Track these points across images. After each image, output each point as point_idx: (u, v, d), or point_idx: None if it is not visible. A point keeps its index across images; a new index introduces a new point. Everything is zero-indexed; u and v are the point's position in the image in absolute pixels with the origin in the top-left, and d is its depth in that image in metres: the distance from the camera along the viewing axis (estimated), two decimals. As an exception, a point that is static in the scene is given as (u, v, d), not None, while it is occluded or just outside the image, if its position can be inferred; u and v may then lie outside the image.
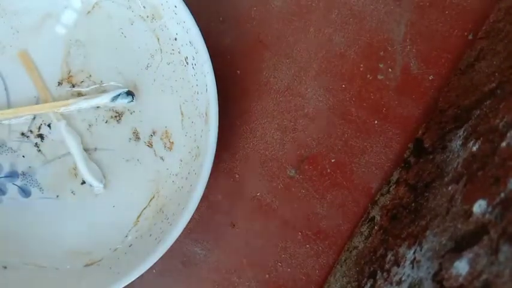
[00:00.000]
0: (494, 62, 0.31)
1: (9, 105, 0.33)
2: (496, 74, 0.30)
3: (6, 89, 0.33)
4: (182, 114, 0.33)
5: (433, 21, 0.34)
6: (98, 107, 0.33)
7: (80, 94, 0.34)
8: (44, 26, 0.33)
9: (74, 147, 0.33)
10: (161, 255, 0.28)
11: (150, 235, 0.31)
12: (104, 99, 0.33)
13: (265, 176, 0.35)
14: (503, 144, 0.25)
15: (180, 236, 0.28)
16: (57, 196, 0.34)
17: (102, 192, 0.34)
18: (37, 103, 0.34)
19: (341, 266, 0.35)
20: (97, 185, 0.33)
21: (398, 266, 0.29)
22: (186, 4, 0.29)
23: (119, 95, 0.33)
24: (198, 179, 0.29)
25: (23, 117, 0.33)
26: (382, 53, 0.34)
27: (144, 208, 0.33)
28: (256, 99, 0.35)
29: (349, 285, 0.34)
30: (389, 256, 0.30)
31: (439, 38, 0.34)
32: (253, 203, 0.35)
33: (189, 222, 0.29)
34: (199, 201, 0.28)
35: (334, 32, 0.34)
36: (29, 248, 0.33)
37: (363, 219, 0.35)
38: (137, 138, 0.34)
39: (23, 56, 0.33)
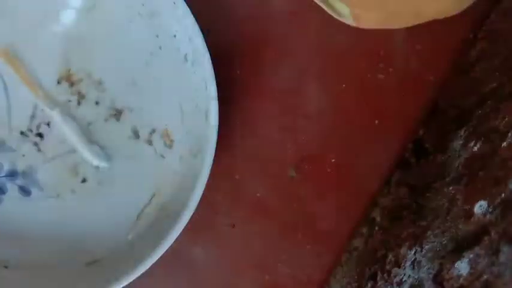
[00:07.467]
0: (495, 62, 0.31)
1: (8, 105, 0.33)
2: (497, 74, 0.30)
3: (5, 89, 0.33)
4: (182, 111, 0.33)
5: (433, 21, 0.34)
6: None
7: (79, 93, 0.34)
8: (43, 25, 0.33)
9: (71, 132, 0.33)
10: (162, 253, 0.28)
11: (151, 233, 0.31)
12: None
13: (265, 176, 0.35)
14: (504, 144, 0.25)
15: (180, 236, 0.28)
16: (58, 195, 0.34)
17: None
18: (37, 103, 0.34)
19: (342, 267, 0.35)
20: (102, 165, 0.33)
21: (399, 266, 0.29)
22: (185, 2, 0.29)
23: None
24: (198, 177, 0.29)
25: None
26: (382, 53, 0.34)
27: (145, 206, 0.33)
28: (256, 99, 0.35)
29: (349, 285, 0.34)
30: (390, 257, 0.30)
31: (440, 38, 0.34)
32: (253, 203, 0.35)
33: (189, 222, 0.29)
34: (200, 198, 0.28)
35: (334, 32, 0.34)
36: (29, 248, 0.33)
37: (363, 219, 0.35)
38: (137, 136, 0.34)
39: (5, 54, 0.33)
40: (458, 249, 0.24)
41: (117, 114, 0.34)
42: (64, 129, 0.33)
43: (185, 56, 0.31)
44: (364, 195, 0.34)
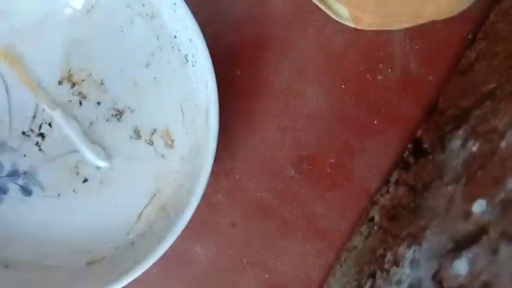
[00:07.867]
0: (494, 63, 0.31)
1: (10, 106, 0.34)
2: (495, 74, 0.30)
3: (7, 89, 0.34)
4: (183, 112, 0.33)
5: (432, 22, 0.34)
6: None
7: (80, 94, 0.34)
8: (44, 26, 0.33)
9: (73, 133, 0.33)
10: (163, 252, 0.28)
11: (152, 233, 0.31)
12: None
13: (265, 176, 0.35)
14: (503, 144, 0.25)
15: (180, 235, 0.29)
16: (59, 195, 0.34)
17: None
18: (39, 103, 0.34)
19: (341, 266, 0.35)
20: (103, 165, 0.34)
21: (397, 265, 0.29)
22: (185, 2, 0.29)
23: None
24: (199, 177, 0.29)
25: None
26: (381, 53, 0.34)
27: (146, 206, 0.33)
28: (256, 99, 0.35)
29: (348, 285, 0.34)
30: (389, 256, 0.31)
31: (439, 38, 0.34)
32: (253, 203, 0.35)
33: (189, 222, 0.29)
34: (200, 198, 0.29)
35: (334, 32, 0.34)
36: (30, 247, 0.33)
37: (362, 219, 0.35)
38: (138, 136, 0.34)
39: (6, 54, 0.33)
40: (457, 249, 0.25)
41: (119, 114, 0.34)
42: (66, 130, 0.34)
43: (185, 57, 0.31)
44: (363, 195, 0.35)
